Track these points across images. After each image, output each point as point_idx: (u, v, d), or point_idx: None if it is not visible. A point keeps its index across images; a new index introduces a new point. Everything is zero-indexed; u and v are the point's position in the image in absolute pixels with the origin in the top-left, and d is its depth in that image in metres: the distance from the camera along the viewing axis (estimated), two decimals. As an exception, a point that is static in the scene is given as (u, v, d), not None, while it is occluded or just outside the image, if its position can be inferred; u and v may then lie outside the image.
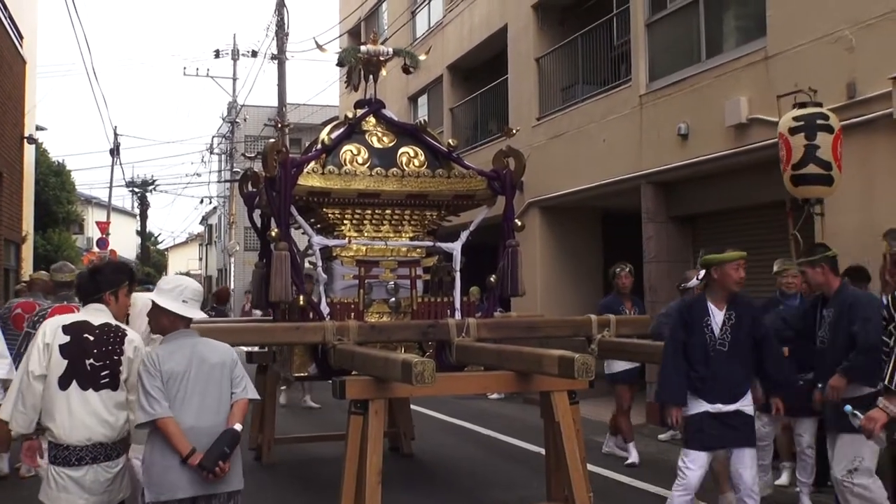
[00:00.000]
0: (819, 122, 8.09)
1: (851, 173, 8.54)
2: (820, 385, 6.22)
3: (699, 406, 5.94)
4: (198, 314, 4.79)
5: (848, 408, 5.25)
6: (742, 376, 5.98)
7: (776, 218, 10.88)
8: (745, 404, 5.98)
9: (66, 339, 4.61)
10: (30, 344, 4.76)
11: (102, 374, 4.61)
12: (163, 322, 4.71)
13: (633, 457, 9.33)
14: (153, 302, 4.72)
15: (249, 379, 4.85)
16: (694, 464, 5.92)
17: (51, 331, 4.65)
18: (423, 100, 23.12)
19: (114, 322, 4.81)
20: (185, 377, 4.52)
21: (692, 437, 5.99)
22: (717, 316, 6.01)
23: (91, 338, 4.65)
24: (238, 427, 4.55)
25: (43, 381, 4.56)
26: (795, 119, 8.18)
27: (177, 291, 4.71)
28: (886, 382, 4.90)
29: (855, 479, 5.75)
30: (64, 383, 4.54)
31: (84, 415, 4.53)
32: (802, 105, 8.33)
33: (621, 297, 9.70)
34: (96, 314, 4.80)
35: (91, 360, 4.60)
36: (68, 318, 4.77)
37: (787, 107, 8.63)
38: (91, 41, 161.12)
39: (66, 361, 4.56)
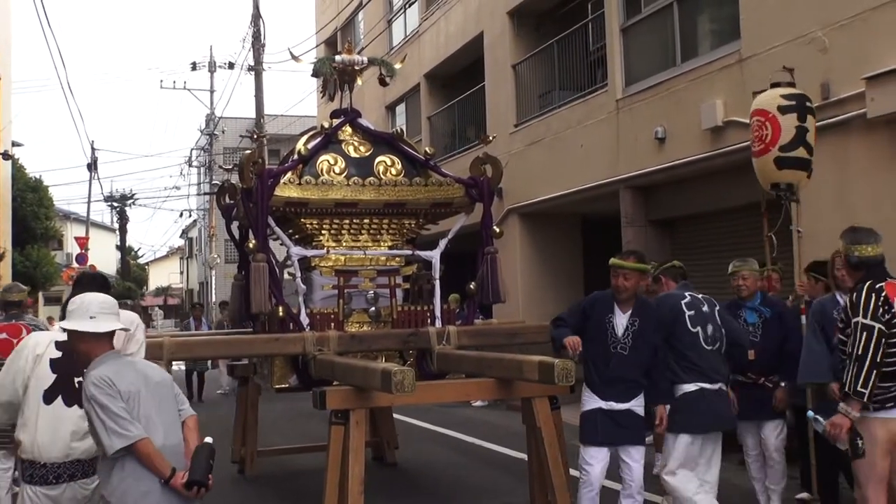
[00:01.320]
0: (807, 104, 7.65)
1: (827, 173, 8.59)
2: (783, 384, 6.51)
3: (594, 402, 6.03)
4: (111, 325, 4.30)
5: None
6: (638, 378, 6.06)
7: (753, 220, 10.92)
8: (637, 405, 6.07)
9: (59, 354, 4.62)
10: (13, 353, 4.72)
11: None
12: (80, 348, 4.27)
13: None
14: (64, 329, 4.33)
15: None
16: (593, 459, 6.00)
17: (42, 345, 4.66)
18: (400, 108, 23.13)
19: None
20: (139, 396, 4.18)
21: (588, 433, 6.05)
22: (621, 318, 6.07)
23: None
24: (209, 440, 4.34)
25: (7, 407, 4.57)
26: (785, 97, 7.59)
27: (81, 310, 4.28)
28: (847, 388, 4.98)
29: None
30: (49, 398, 4.52)
31: (64, 432, 4.50)
32: (785, 84, 7.84)
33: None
34: None
35: (79, 379, 4.52)
36: (61, 336, 4.66)
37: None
38: (66, 56, 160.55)
39: (54, 376, 4.56)
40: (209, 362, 17.37)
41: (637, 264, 6.08)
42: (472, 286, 7.87)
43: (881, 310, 5.02)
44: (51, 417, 4.49)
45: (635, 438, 6.04)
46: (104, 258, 52.85)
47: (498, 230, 8.02)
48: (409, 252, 7.97)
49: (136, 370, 4.27)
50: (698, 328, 6.21)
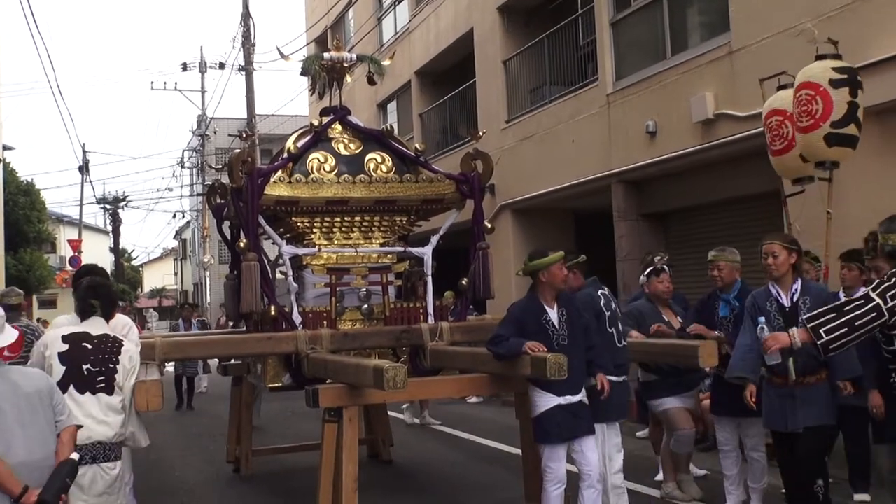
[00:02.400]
0: (858, 78, 7.34)
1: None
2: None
3: (550, 400, 6.03)
4: None
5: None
6: (583, 367, 6.13)
7: (745, 212, 10.97)
8: (584, 395, 6.15)
9: (65, 347, 4.84)
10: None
11: (98, 378, 4.83)
12: None
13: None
14: None
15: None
16: (558, 457, 6.06)
17: (51, 342, 4.89)
18: (392, 106, 23.12)
19: (112, 333, 5.07)
20: (1, 410, 4.03)
21: (550, 433, 6.06)
22: (552, 313, 6.14)
23: (89, 346, 4.89)
24: (75, 456, 4.20)
25: None
26: (837, 70, 7.24)
27: None
28: (811, 324, 5.00)
29: None
30: (62, 387, 4.63)
31: (81, 416, 4.65)
32: (832, 57, 7.48)
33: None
34: (95, 326, 5.04)
35: (88, 366, 4.82)
36: (68, 329, 4.99)
37: (772, 90, 8.34)
38: (55, 58, 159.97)
39: (63, 367, 4.76)
40: (200, 367, 16.62)
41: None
42: (464, 282, 7.86)
43: (894, 292, 4.94)
44: (69, 404, 4.57)
45: (591, 428, 6.13)
46: (98, 260, 52.53)
47: (489, 226, 8.01)
48: (401, 249, 7.95)
49: (4, 380, 4.11)
50: (613, 329, 6.52)
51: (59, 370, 4.75)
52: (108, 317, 5.18)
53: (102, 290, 5.24)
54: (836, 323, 4.95)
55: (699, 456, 8.52)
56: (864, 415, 6.25)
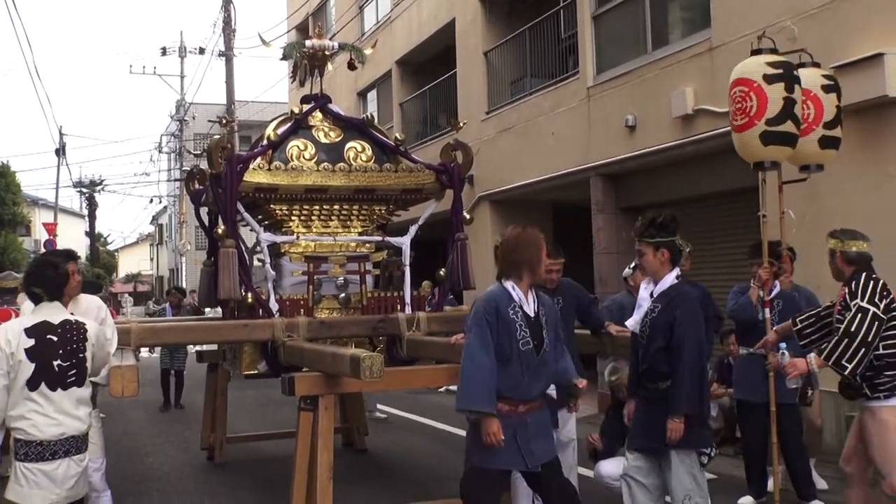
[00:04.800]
0: (794, 73, 6.74)
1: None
2: None
3: None
4: None
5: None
6: None
7: (724, 208, 11.03)
8: None
9: (31, 342, 4.63)
10: None
11: (69, 373, 4.67)
12: None
13: None
14: None
15: None
16: None
17: (13, 337, 4.63)
18: (372, 95, 23.08)
19: (72, 317, 4.86)
20: None
21: None
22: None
23: (55, 338, 4.69)
24: None
25: (6, 390, 4.58)
26: (771, 65, 6.67)
27: None
28: (828, 359, 5.21)
29: None
30: (32, 385, 4.56)
31: (54, 413, 4.58)
32: (767, 52, 6.84)
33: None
34: (52, 312, 4.80)
35: (58, 361, 4.65)
36: (27, 321, 4.75)
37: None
38: (32, 40, 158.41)
39: (33, 364, 4.59)
40: (184, 361, 14.57)
41: None
42: (442, 272, 7.87)
43: (879, 295, 5.24)
44: (39, 403, 4.56)
45: None
46: (73, 244, 52.26)
47: (468, 217, 8.01)
48: (380, 238, 7.94)
49: None
50: None
51: (29, 367, 4.59)
52: (57, 298, 4.88)
53: (38, 276, 4.92)
54: (854, 347, 5.14)
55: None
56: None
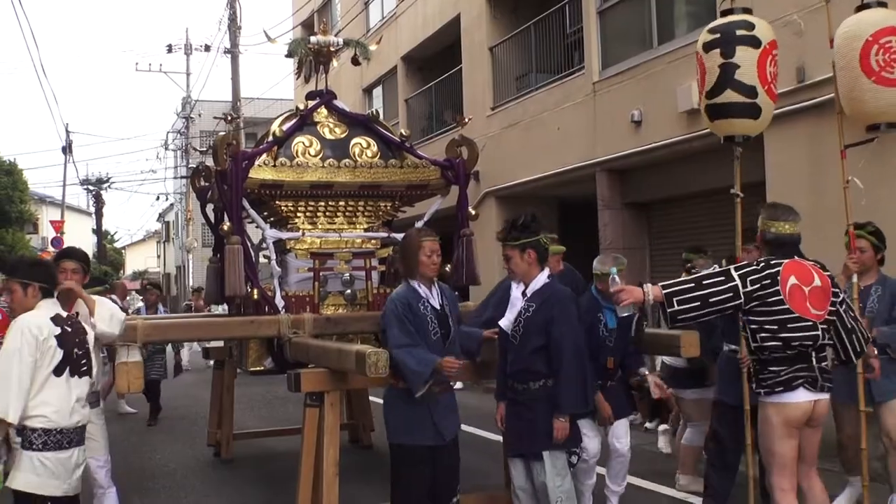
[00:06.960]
0: (739, 32, 5.83)
1: (800, 155, 8.61)
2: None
3: None
4: None
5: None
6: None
7: (729, 203, 10.97)
8: None
9: (58, 330, 4.75)
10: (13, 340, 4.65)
11: (83, 362, 4.86)
12: None
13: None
14: None
15: None
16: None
17: (44, 325, 4.70)
18: (377, 91, 23.06)
19: (65, 314, 4.96)
20: None
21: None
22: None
23: (69, 329, 4.84)
24: None
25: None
26: (711, 31, 5.97)
27: None
28: (667, 290, 4.92)
29: None
30: (59, 371, 4.69)
31: (73, 400, 4.74)
32: (727, 12, 6.13)
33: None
34: (56, 307, 4.93)
35: (76, 349, 4.83)
36: (49, 312, 4.82)
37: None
38: (38, 38, 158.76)
39: (62, 351, 4.72)
40: (163, 369, 13.11)
41: None
42: (447, 269, 7.86)
43: (755, 277, 4.87)
44: (64, 388, 4.69)
45: None
46: (80, 242, 52.27)
47: (474, 212, 8.01)
48: (385, 234, 7.93)
49: None
50: None
51: (59, 354, 4.71)
52: (50, 295, 4.91)
53: (46, 272, 4.99)
54: (691, 295, 4.87)
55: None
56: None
